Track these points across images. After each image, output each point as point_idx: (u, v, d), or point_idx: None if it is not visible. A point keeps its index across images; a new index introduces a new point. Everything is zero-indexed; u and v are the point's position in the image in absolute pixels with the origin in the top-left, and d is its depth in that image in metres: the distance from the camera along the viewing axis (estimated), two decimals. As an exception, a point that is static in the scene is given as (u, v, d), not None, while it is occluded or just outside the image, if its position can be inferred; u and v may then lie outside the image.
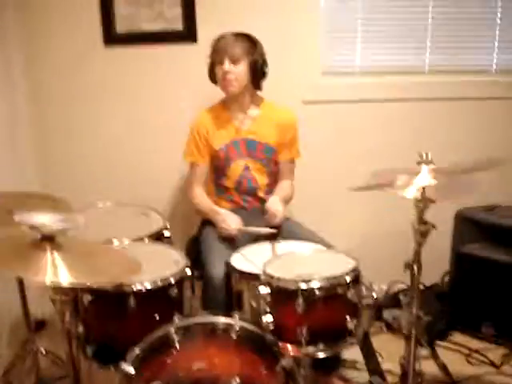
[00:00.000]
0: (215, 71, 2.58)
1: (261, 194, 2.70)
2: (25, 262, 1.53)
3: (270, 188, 2.74)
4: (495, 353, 2.79)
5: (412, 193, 1.81)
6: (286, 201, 2.68)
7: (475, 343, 2.89)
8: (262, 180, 2.70)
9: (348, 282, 1.86)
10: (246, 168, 2.67)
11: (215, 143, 2.65)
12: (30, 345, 2.47)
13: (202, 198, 2.69)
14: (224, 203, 2.72)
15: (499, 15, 3.14)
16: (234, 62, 2.51)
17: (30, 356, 2.48)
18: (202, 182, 2.71)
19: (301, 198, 2.78)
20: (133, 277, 1.74)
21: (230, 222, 2.49)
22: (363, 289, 1.90)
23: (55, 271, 1.50)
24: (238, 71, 2.53)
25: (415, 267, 1.89)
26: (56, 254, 1.55)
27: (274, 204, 2.53)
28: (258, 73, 2.57)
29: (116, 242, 2.24)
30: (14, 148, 2.95)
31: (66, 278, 1.51)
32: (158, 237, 2.41)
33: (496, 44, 3.18)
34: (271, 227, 2.41)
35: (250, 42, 2.55)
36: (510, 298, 2.81)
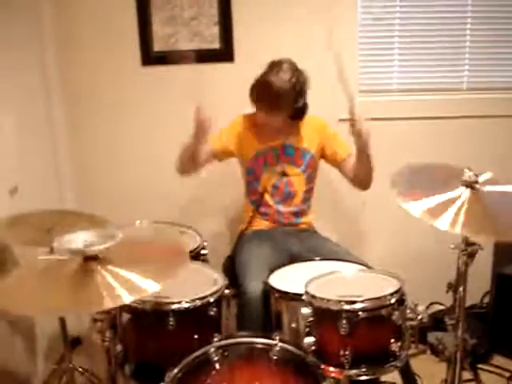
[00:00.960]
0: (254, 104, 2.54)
1: (296, 203, 2.69)
2: (78, 294, 1.48)
3: (308, 195, 2.73)
4: (537, 376, 2.72)
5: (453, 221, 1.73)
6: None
7: (517, 366, 2.82)
8: (299, 186, 2.69)
9: (392, 303, 1.82)
10: (284, 174, 2.67)
11: (252, 148, 2.65)
12: (66, 362, 2.47)
13: None
14: (259, 222, 2.71)
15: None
16: (273, 115, 2.51)
17: (66, 373, 2.48)
18: (203, 161, 2.63)
19: (335, 215, 2.76)
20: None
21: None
22: (408, 310, 1.86)
23: (112, 291, 1.47)
24: (275, 119, 2.54)
25: (461, 289, 1.84)
26: (109, 267, 1.53)
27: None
28: (297, 118, 2.59)
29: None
30: (55, 167, 2.98)
31: (147, 285, 1.49)
32: (195, 255, 2.40)
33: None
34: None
35: (297, 88, 2.48)
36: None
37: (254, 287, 2.23)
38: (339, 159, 2.68)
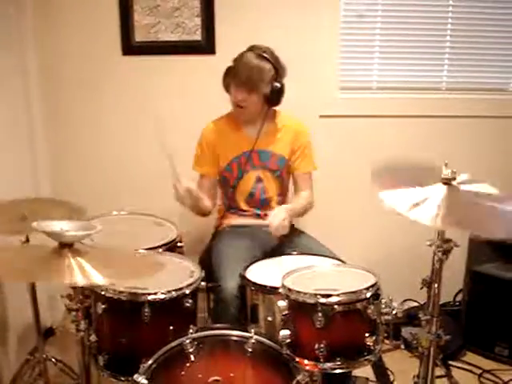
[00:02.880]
0: (230, 86, 2.53)
1: (272, 208, 2.64)
2: (47, 269, 1.50)
3: (283, 199, 2.73)
4: (508, 373, 2.76)
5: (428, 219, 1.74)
6: (299, 211, 2.62)
7: (488, 363, 2.86)
8: (273, 191, 2.67)
9: (368, 297, 1.83)
10: (259, 179, 2.65)
11: (226, 155, 2.62)
12: (39, 352, 2.44)
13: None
14: (235, 217, 2.70)
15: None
16: (251, 92, 2.47)
17: (38, 364, 2.45)
18: (211, 193, 2.66)
19: (315, 212, 2.76)
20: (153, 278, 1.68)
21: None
22: (383, 305, 1.87)
23: (84, 273, 1.48)
24: (251, 100, 2.50)
25: (435, 285, 1.85)
26: (78, 258, 1.52)
27: (275, 215, 2.43)
28: (273, 100, 2.54)
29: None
30: (31, 155, 2.95)
31: (98, 278, 1.49)
32: (171, 247, 2.39)
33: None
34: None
35: (273, 69, 2.48)
36: (525, 318, 2.79)
37: (229, 282, 2.22)
38: (295, 170, 2.70)
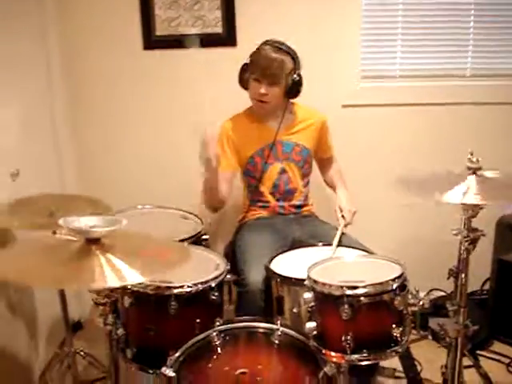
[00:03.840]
0: (249, 82, 2.54)
1: (297, 197, 2.69)
2: (77, 273, 1.48)
3: (307, 189, 2.74)
4: (537, 363, 2.74)
5: (459, 199, 1.76)
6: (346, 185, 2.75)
7: (517, 353, 2.83)
8: (297, 182, 2.68)
9: (394, 288, 1.82)
10: (283, 171, 2.65)
11: (248, 149, 2.63)
12: (67, 346, 2.47)
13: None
14: (259, 210, 2.70)
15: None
16: (272, 84, 2.48)
17: (67, 357, 2.48)
18: (228, 189, 2.61)
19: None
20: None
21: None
22: (409, 296, 1.86)
23: (116, 272, 1.47)
24: (273, 93, 2.51)
25: (462, 275, 1.84)
26: (107, 255, 1.52)
27: (347, 203, 2.59)
28: (293, 92, 2.55)
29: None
30: (55, 150, 2.98)
31: (133, 277, 1.47)
32: (196, 240, 2.40)
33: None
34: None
35: (291, 61, 2.50)
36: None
37: (254, 275, 2.22)
38: (320, 157, 2.80)
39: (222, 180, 2.55)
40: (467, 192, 1.76)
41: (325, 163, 2.83)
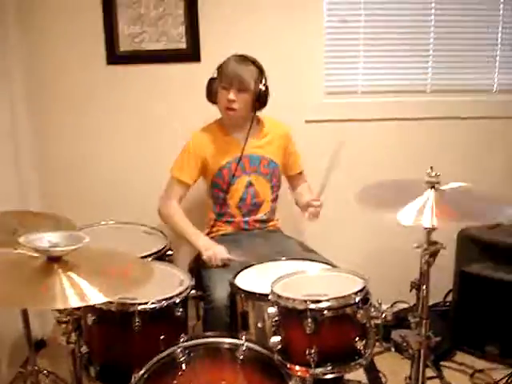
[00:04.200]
0: (217, 94, 2.57)
1: (263, 211, 2.71)
2: (37, 292, 1.46)
3: (274, 204, 2.75)
4: (500, 373, 2.77)
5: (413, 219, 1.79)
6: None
7: (479, 363, 2.87)
8: (265, 195, 2.70)
9: (357, 301, 1.84)
10: (250, 184, 2.66)
11: (216, 161, 2.64)
12: (30, 365, 2.43)
13: (179, 214, 2.59)
14: (224, 226, 2.71)
15: (500, 35, 3.17)
16: (240, 91, 2.51)
17: (30, 376, 2.44)
18: (180, 200, 2.63)
19: (300, 215, 2.77)
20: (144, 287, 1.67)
21: (216, 252, 2.43)
22: (372, 309, 1.88)
23: (78, 291, 1.46)
24: (242, 99, 2.53)
25: (423, 287, 1.87)
26: (69, 273, 1.50)
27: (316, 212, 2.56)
28: (260, 102, 2.58)
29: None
30: (17, 167, 2.94)
31: (94, 296, 1.46)
32: (161, 256, 2.40)
33: (497, 64, 3.21)
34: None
35: (258, 70, 2.55)
36: (514, 317, 2.80)
37: (219, 291, 2.23)
38: (293, 172, 2.82)
39: (180, 193, 2.61)
40: (423, 210, 1.78)
41: (295, 181, 2.83)
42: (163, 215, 2.62)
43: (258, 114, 2.67)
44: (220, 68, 2.56)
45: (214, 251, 2.42)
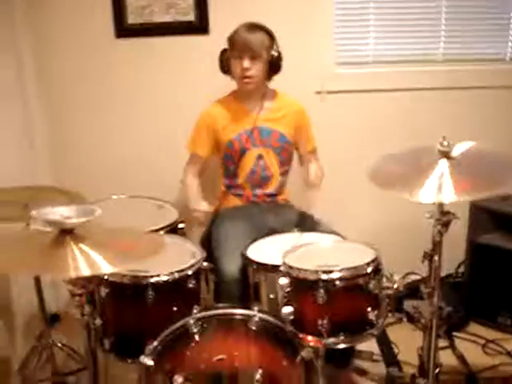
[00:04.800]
0: (230, 64, 2.57)
1: (273, 184, 2.71)
2: (50, 260, 1.50)
3: (283, 178, 2.74)
4: (512, 343, 2.78)
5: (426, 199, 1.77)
6: (321, 178, 2.70)
7: (492, 333, 2.88)
8: (275, 168, 2.69)
9: (369, 272, 1.84)
10: (260, 157, 2.66)
11: (227, 133, 2.64)
12: (45, 338, 2.47)
13: (191, 185, 2.72)
14: (234, 199, 2.73)
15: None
16: (254, 58, 2.52)
17: (45, 349, 2.48)
18: (198, 173, 2.73)
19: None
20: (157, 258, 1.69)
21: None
22: (384, 279, 1.88)
23: (89, 261, 1.48)
24: (256, 67, 2.54)
25: (436, 257, 1.86)
26: (81, 245, 1.52)
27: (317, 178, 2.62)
28: (275, 68, 2.60)
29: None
30: (28, 142, 2.94)
31: (104, 266, 1.48)
32: (172, 229, 2.40)
33: (510, 32, 3.16)
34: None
35: (269, 37, 2.55)
36: (526, 287, 2.80)
37: (230, 265, 2.24)
38: (303, 151, 2.78)
39: (195, 166, 2.68)
40: (441, 187, 1.76)
41: (306, 158, 2.80)
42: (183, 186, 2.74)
43: (275, 88, 2.69)
44: (231, 38, 2.55)
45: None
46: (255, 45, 2.51)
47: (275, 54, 2.56)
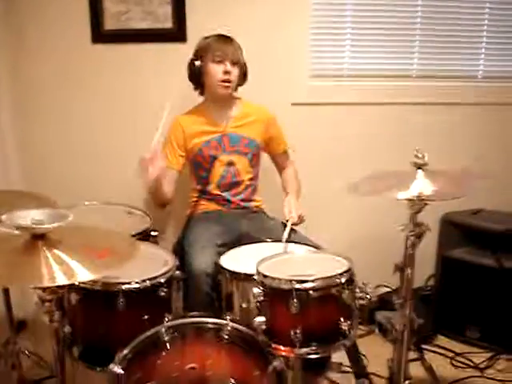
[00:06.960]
0: (204, 72, 2.58)
1: (243, 189, 2.73)
2: (23, 269, 1.46)
3: (254, 182, 2.77)
4: (480, 356, 2.81)
5: (406, 195, 1.81)
6: (299, 189, 2.76)
7: (460, 346, 2.92)
8: (245, 174, 2.71)
9: (343, 282, 1.85)
10: (230, 163, 2.68)
11: (196, 141, 2.65)
12: (11, 345, 2.41)
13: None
14: (207, 204, 2.73)
15: (486, 22, 3.19)
16: (234, 64, 2.56)
17: (11, 357, 2.42)
18: (172, 184, 2.66)
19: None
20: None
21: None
22: (357, 290, 1.89)
23: (64, 269, 1.45)
24: (234, 73, 2.58)
25: (408, 269, 1.88)
26: (55, 251, 1.49)
27: (291, 210, 2.53)
28: (245, 76, 2.65)
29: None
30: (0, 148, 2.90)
31: (82, 274, 1.45)
32: (145, 236, 2.38)
33: (483, 50, 3.23)
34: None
35: (239, 45, 2.60)
36: (495, 301, 2.84)
37: (200, 258, 2.26)
38: (274, 152, 2.83)
39: (167, 178, 2.59)
40: (417, 186, 1.82)
41: (279, 160, 2.86)
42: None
43: (241, 97, 2.73)
44: (204, 47, 2.58)
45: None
46: (235, 50, 2.56)
47: (245, 63, 2.61)
